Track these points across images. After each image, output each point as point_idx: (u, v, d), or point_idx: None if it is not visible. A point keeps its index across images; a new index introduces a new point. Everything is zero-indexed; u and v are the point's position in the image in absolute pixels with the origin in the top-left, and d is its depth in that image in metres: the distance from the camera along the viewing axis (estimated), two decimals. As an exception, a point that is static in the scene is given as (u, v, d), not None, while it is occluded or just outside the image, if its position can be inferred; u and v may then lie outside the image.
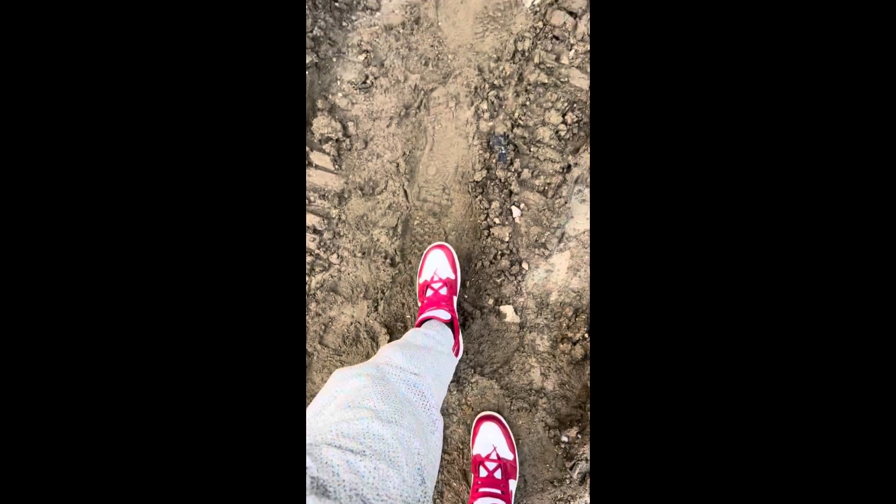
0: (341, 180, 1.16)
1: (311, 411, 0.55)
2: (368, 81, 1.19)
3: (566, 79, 1.14)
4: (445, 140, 1.16)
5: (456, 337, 0.98)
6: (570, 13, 1.15)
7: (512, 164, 1.11)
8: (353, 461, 0.44)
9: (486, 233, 1.11)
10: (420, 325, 0.95)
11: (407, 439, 0.49)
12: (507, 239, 1.10)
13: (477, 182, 1.12)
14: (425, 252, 1.08)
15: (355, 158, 1.17)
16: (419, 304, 1.05)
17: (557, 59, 1.15)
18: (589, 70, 1.13)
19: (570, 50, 1.14)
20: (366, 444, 0.46)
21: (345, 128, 1.17)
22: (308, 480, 0.40)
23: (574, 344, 1.01)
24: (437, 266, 1.04)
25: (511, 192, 1.11)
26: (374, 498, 0.42)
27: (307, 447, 0.45)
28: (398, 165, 1.16)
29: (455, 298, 1.04)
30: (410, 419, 0.53)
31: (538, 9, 1.18)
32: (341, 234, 1.15)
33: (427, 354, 0.72)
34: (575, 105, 1.13)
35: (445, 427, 1.05)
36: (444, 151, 1.16)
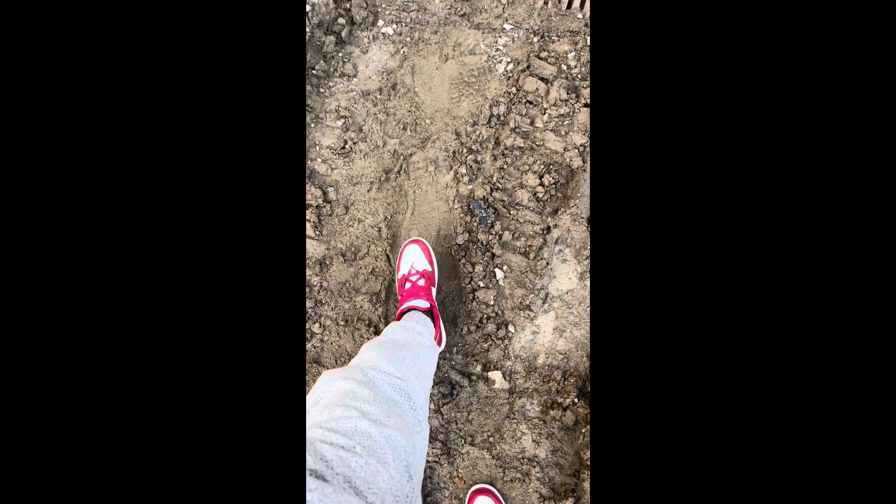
0: (322, 246, 1.15)
1: None
2: (348, 146, 1.20)
3: (541, 142, 1.17)
4: (426, 204, 1.17)
5: (437, 325, 0.99)
6: (542, 79, 1.20)
7: (493, 226, 1.13)
8: (345, 457, 0.46)
9: (471, 296, 1.11)
10: (400, 316, 0.97)
11: (394, 438, 0.51)
12: (492, 302, 1.10)
13: (460, 245, 1.13)
14: (401, 248, 1.11)
15: (336, 224, 1.16)
16: (398, 298, 1.08)
17: (532, 123, 1.18)
18: (564, 132, 1.17)
19: (544, 114, 1.18)
20: (356, 440, 0.48)
21: (325, 193, 1.17)
22: (307, 471, 0.43)
23: (564, 409, 1.00)
24: (414, 259, 1.08)
25: (493, 255, 1.12)
26: (367, 490, 0.45)
27: None
28: (380, 230, 1.15)
29: (434, 289, 1.07)
30: (397, 419, 0.55)
31: (511, 74, 1.22)
32: (323, 301, 1.12)
33: (407, 353, 0.73)
34: (551, 167, 1.16)
35: (438, 503, 1.01)
36: (426, 215, 1.17)
